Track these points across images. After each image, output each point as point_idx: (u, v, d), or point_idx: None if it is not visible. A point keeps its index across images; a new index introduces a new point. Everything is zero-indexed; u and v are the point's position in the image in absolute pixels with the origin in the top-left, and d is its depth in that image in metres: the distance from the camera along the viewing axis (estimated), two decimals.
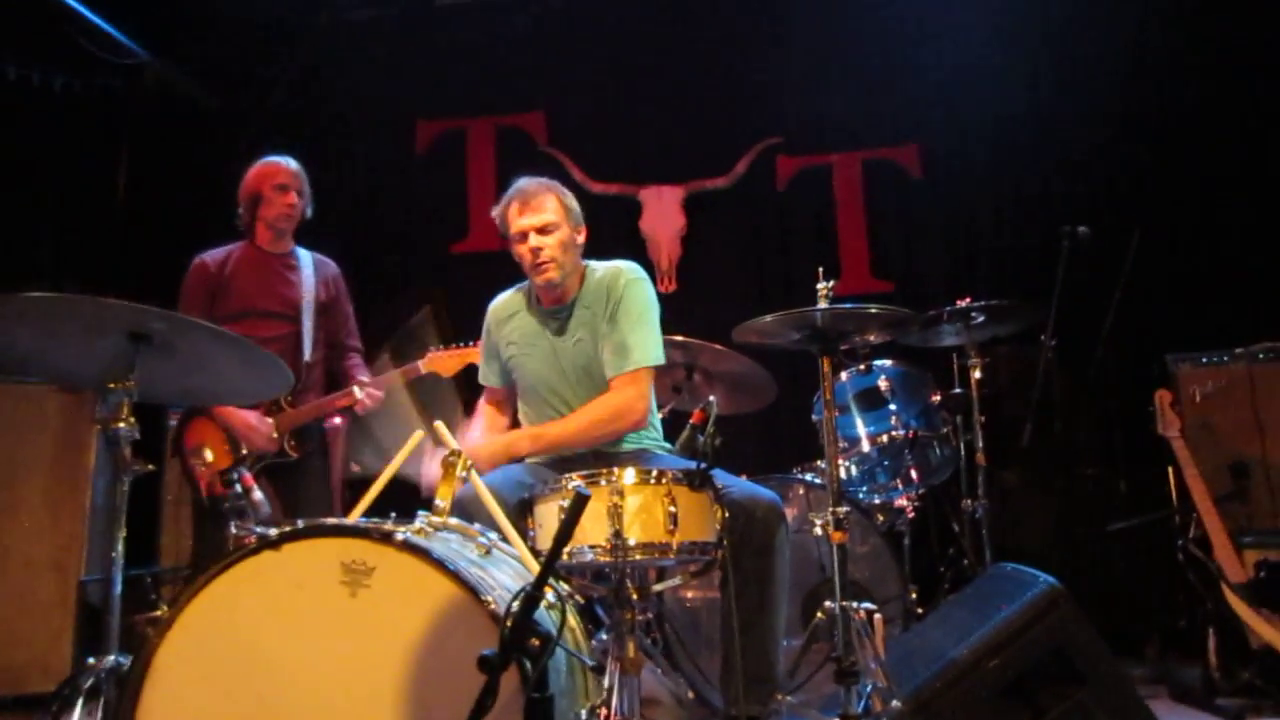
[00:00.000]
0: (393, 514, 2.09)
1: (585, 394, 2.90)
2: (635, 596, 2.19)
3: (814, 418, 3.91)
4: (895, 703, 2.38)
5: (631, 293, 2.89)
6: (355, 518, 2.16)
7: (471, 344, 3.46)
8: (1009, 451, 4.16)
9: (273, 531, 1.95)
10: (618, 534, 2.07)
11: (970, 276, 5.01)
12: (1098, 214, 4.30)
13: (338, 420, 4.06)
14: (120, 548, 2.23)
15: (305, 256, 3.68)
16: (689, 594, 3.49)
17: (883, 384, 3.74)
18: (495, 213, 2.98)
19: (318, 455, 3.61)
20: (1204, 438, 3.96)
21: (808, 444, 3.96)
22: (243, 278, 3.53)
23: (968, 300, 3.66)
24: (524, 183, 2.95)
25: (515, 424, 3.14)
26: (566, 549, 2.08)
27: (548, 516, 2.21)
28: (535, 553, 2.20)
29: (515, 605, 1.68)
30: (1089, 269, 4.04)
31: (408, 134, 5.65)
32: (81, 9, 4.69)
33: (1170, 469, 3.77)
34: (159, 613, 1.89)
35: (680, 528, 2.12)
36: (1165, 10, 5.00)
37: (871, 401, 3.76)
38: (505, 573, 2.12)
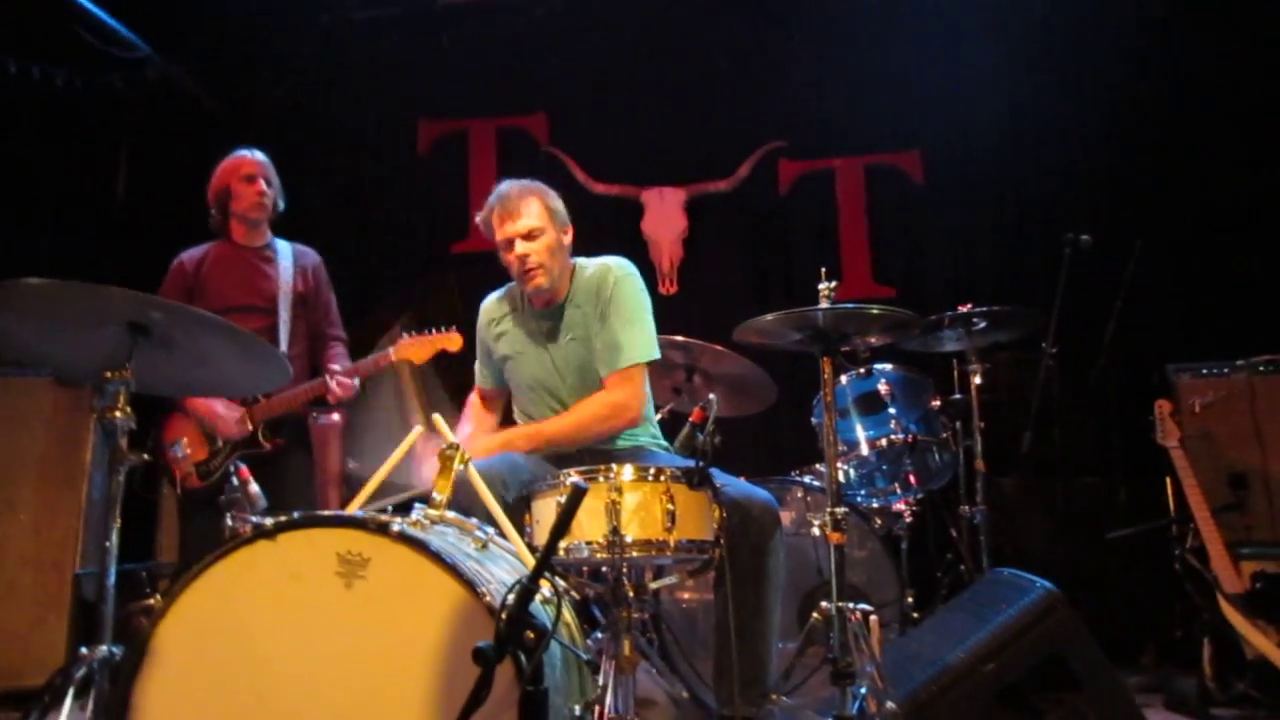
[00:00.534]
0: (389, 507, 2.09)
1: (581, 394, 2.89)
2: (632, 594, 2.18)
3: (813, 421, 3.91)
4: (890, 705, 2.37)
5: (621, 289, 2.88)
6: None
7: (445, 330, 3.43)
8: (1008, 458, 4.15)
9: (269, 521, 1.94)
10: (615, 531, 2.06)
11: (972, 282, 5.01)
12: (1100, 222, 4.31)
13: (335, 417, 4.03)
14: (115, 538, 2.20)
15: (284, 248, 3.62)
16: (685, 595, 3.49)
17: (882, 388, 3.73)
18: (479, 219, 2.96)
19: (297, 450, 3.54)
20: (1203, 448, 3.97)
21: (807, 447, 3.96)
22: (218, 275, 3.50)
23: (969, 306, 3.66)
24: (505, 188, 2.92)
25: (504, 422, 3.13)
26: (563, 545, 2.07)
27: (545, 513, 2.20)
28: (532, 549, 2.19)
29: (510, 598, 1.67)
30: (1091, 277, 4.04)
31: (409, 134, 5.64)
32: (85, 3, 4.68)
33: (1169, 479, 3.78)
34: (152, 601, 1.88)
35: (678, 526, 2.11)
36: (1169, 20, 5.00)
37: (871, 405, 3.75)
38: (502, 568, 2.11)
